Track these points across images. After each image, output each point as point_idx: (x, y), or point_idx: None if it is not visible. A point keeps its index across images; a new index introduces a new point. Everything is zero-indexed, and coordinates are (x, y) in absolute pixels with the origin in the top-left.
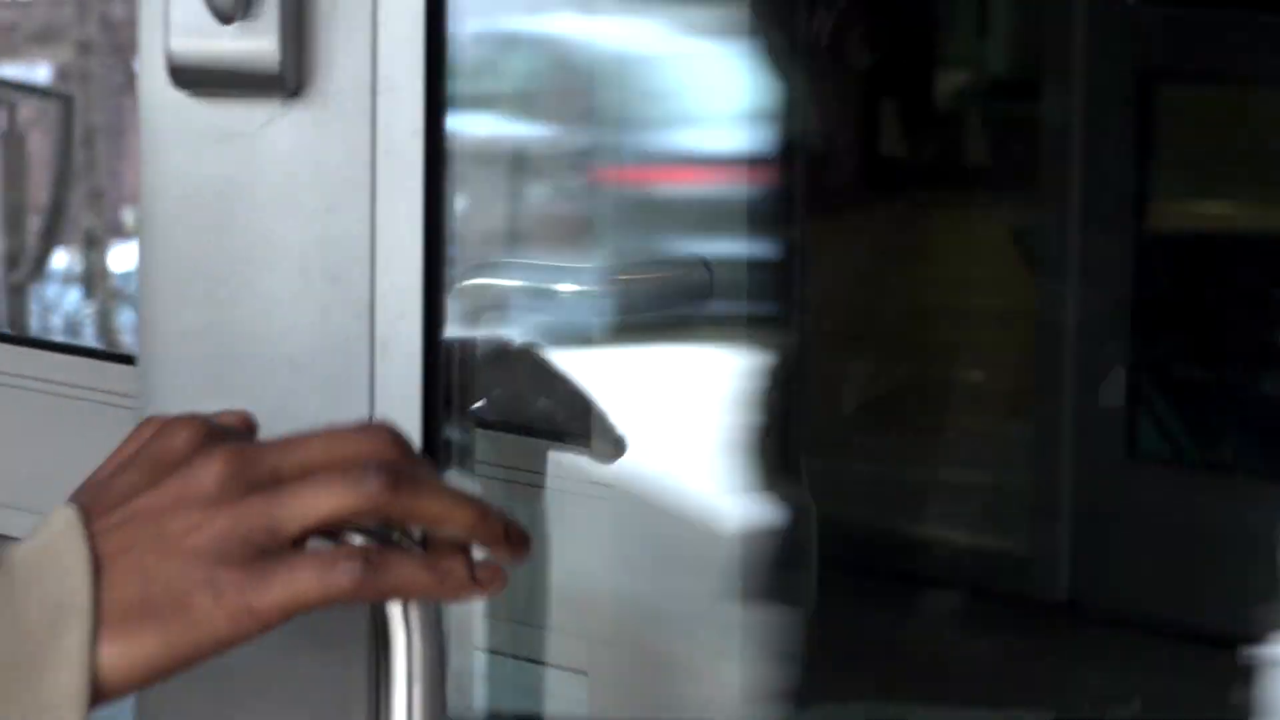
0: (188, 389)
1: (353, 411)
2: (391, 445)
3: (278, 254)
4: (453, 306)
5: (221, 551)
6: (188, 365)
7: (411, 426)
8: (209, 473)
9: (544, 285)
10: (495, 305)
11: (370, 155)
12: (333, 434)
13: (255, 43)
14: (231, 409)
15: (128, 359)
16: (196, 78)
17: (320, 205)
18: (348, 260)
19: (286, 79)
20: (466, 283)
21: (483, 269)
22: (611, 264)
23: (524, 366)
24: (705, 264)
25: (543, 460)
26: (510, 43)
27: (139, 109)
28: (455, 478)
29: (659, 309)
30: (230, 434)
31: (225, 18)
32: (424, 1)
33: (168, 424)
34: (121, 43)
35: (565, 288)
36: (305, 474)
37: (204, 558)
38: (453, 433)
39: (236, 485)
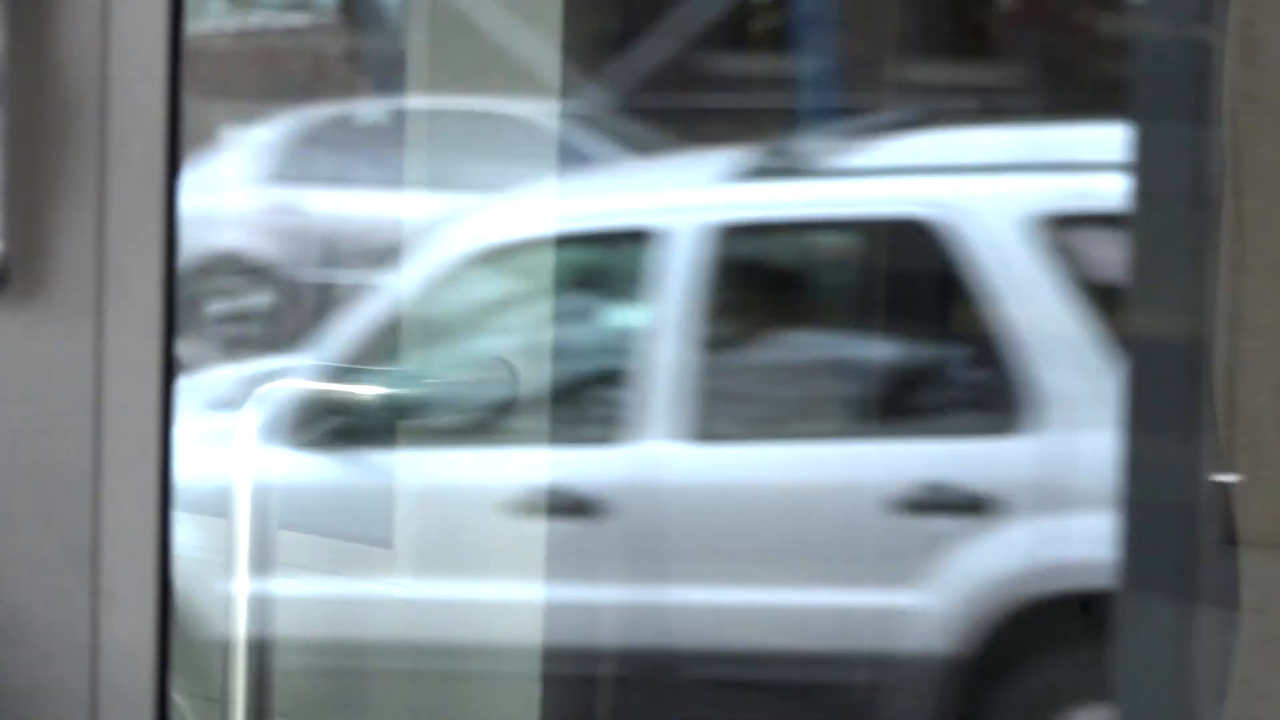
0: None
1: (72, 681)
2: None
3: None
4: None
5: None
6: None
7: (142, 697)
8: None
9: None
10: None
11: (95, 361)
12: None
13: None
14: None
15: None
16: None
17: (31, 425)
18: (65, 494)
19: (8, 271)
20: (269, 387)
21: (284, 373)
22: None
23: None
24: (508, 365)
25: None
26: None
27: None
28: None
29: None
30: None
31: None
32: (164, 157)
33: None
34: None
35: (372, 390)
36: None
37: None
38: None
39: None
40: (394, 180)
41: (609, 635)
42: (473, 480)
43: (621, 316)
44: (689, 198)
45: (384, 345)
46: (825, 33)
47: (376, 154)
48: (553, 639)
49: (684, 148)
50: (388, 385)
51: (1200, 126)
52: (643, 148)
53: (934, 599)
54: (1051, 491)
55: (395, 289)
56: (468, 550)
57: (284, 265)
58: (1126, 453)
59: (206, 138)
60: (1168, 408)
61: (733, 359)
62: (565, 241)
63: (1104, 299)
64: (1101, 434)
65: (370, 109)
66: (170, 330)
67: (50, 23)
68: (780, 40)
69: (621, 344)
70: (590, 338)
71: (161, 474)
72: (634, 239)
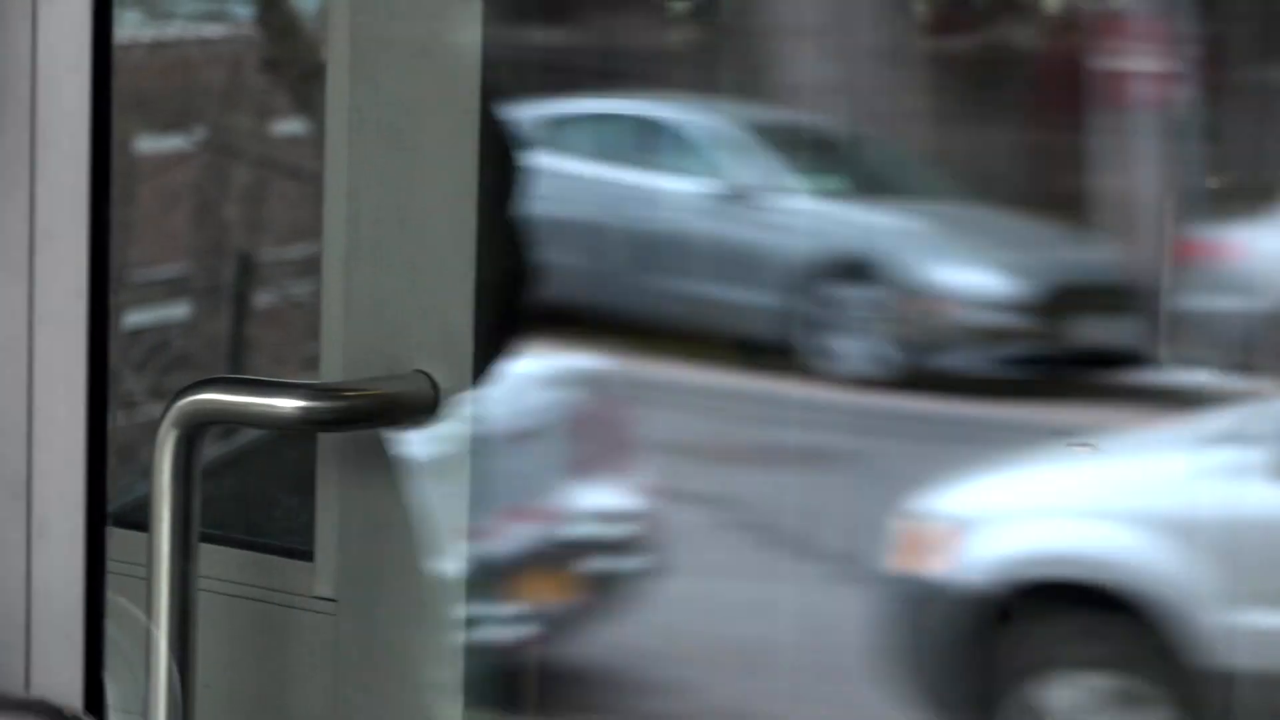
0: None
1: (6, 608)
2: None
3: None
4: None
5: None
6: None
7: (72, 615)
8: None
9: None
10: (216, 421)
11: (27, 319)
12: None
13: None
14: None
15: None
16: None
17: None
18: (0, 435)
19: None
20: (187, 399)
21: (203, 385)
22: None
23: None
24: (430, 379)
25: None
26: None
27: None
28: None
29: (382, 426)
30: None
31: None
32: (89, 140)
33: None
34: None
35: (290, 403)
36: None
37: None
38: None
39: None
40: None
41: None
42: None
43: None
44: None
45: None
46: None
47: None
48: None
49: None
50: (305, 399)
51: None
52: None
53: None
54: None
55: None
56: None
57: None
58: None
59: None
60: None
61: None
62: None
63: None
64: None
65: None
66: (102, 291)
67: None
68: None
69: None
70: None
71: (91, 416)
72: None
